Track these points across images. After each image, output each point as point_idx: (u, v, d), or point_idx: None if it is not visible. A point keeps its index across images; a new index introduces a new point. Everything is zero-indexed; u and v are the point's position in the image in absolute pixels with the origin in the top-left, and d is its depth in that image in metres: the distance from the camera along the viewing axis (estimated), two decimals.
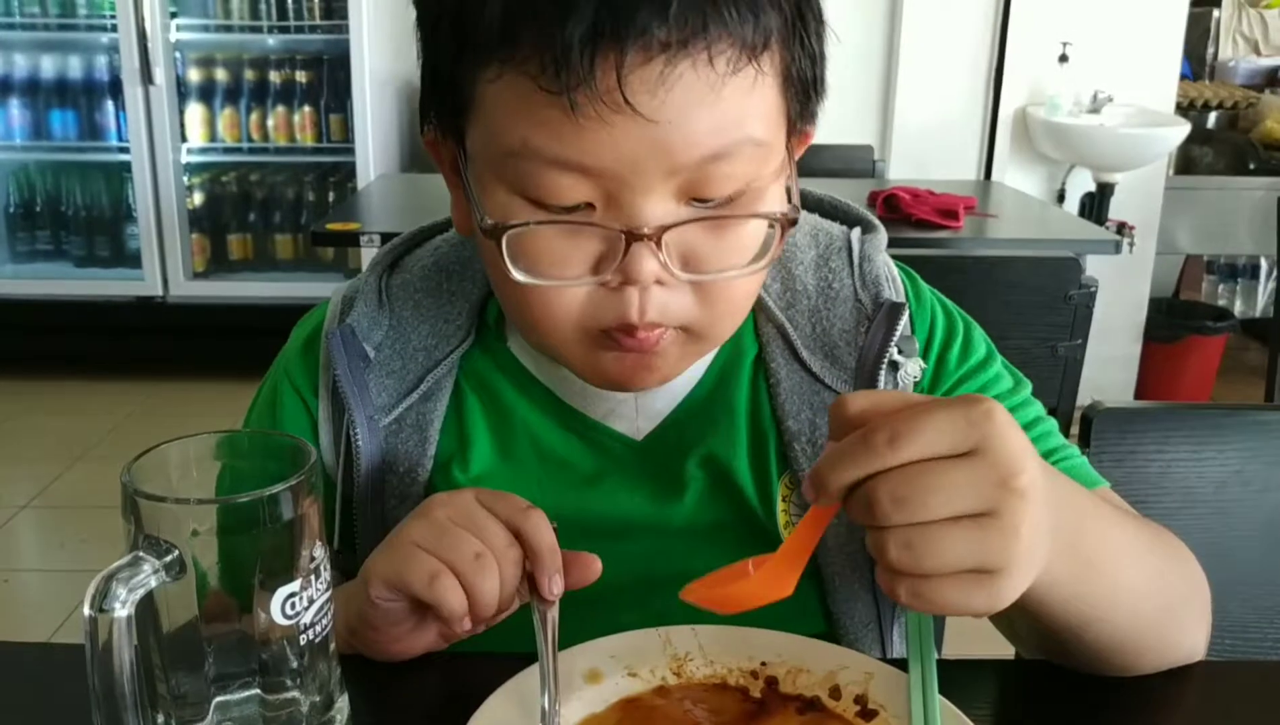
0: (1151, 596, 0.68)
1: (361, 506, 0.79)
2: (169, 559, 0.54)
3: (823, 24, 0.67)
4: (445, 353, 0.79)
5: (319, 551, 0.59)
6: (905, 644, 0.72)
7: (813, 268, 0.80)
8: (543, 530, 0.65)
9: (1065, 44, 3.51)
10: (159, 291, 3.75)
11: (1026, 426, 0.79)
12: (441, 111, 0.69)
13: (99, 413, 3.53)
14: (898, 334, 0.77)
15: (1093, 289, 1.76)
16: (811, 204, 0.86)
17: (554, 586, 0.65)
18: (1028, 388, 0.83)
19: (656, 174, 0.62)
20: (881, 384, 0.77)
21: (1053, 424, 0.82)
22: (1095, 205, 3.61)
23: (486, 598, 0.64)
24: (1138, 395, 3.87)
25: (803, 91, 0.67)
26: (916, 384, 0.79)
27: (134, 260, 3.77)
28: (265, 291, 3.72)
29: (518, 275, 0.65)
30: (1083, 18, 3.55)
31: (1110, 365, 3.65)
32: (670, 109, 0.60)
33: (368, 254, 2.79)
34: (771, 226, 0.67)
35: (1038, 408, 0.83)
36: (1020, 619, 0.67)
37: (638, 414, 0.78)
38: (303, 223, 3.85)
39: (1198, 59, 4.69)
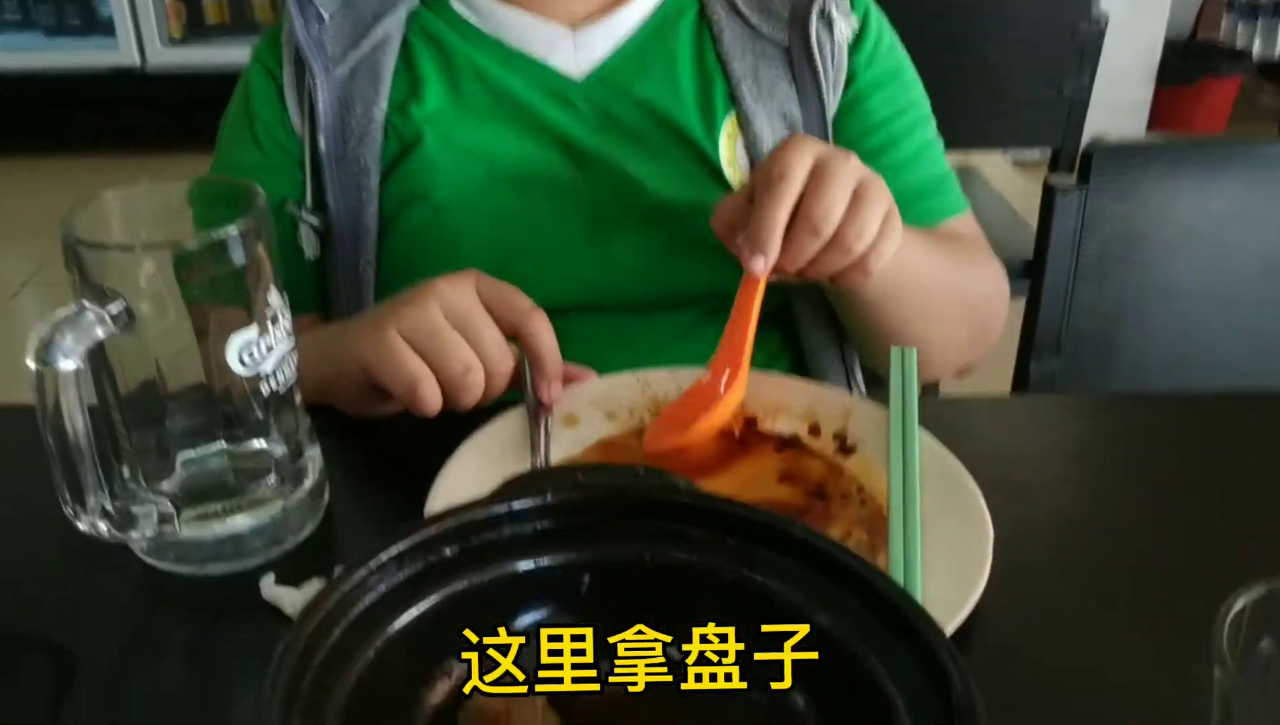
0: (949, 275, 0.81)
1: (327, 150, 0.83)
2: (115, 310, 0.52)
3: None
4: (390, 8, 0.85)
5: (275, 298, 0.57)
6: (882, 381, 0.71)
7: None
8: (544, 333, 0.66)
9: None
10: (135, 60, 3.61)
11: (914, 156, 0.88)
12: None
13: (85, 188, 3.42)
14: None
15: (1102, 24, 1.67)
16: None
17: (553, 391, 0.67)
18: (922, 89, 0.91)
19: None
20: (814, 33, 0.84)
21: (936, 136, 0.92)
22: None
23: (465, 407, 0.65)
24: None
25: None
26: (849, 44, 0.86)
27: (107, 28, 3.61)
28: (246, 57, 3.58)
29: None
30: None
31: (1118, 111, 3.53)
32: None
33: None
34: None
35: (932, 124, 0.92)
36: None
37: (576, 51, 0.84)
38: None
39: None
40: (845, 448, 0.66)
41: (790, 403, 0.68)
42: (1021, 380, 1.07)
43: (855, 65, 0.86)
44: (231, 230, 0.54)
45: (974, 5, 1.65)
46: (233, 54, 3.63)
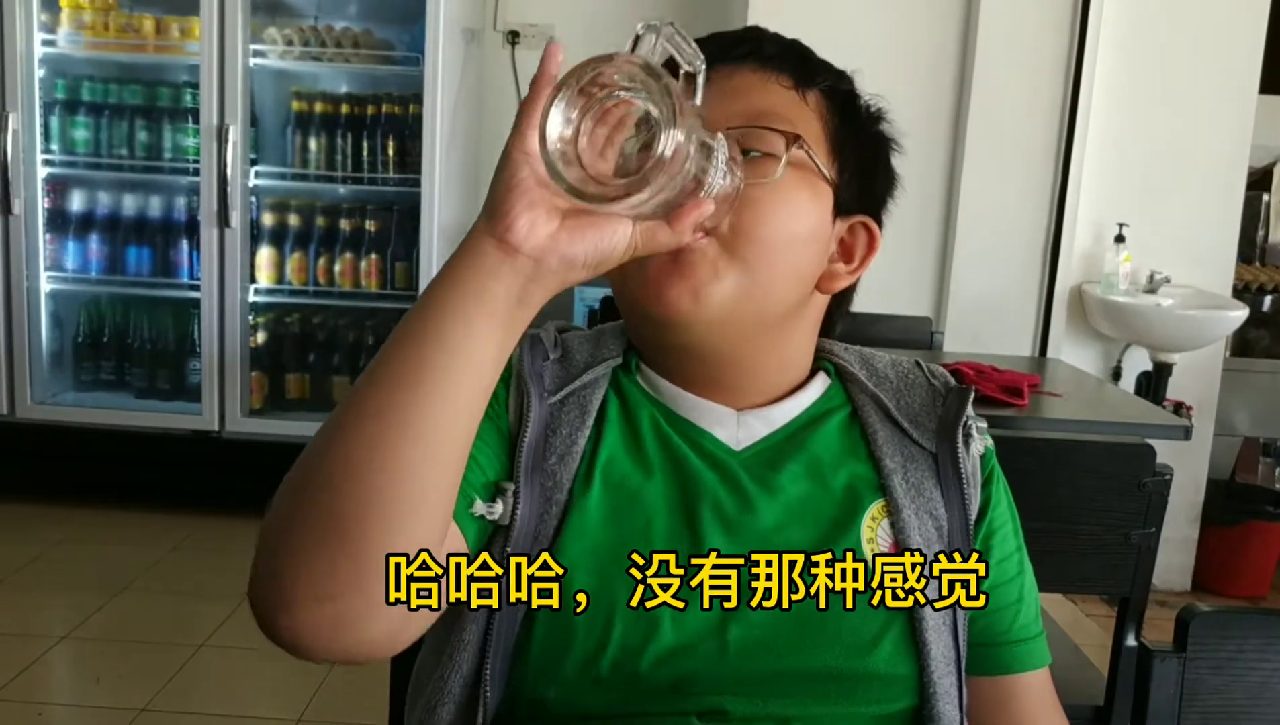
0: None
1: (525, 463, 0.89)
2: None
3: (879, 143, 0.96)
4: (602, 360, 0.97)
5: None
6: None
7: (890, 365, 1.01)
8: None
9: (1121, 225, 3.55)
10: (215, 426, 3.78)
11: (1019, 600, 0.98)
12: None
13: (146, 544, 3.53)
14: (968, 408, 0.96)
15: (1167, 477, 1.73)
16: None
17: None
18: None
19: (718, 122, 0.82)
20: (960, 445, 0.94)
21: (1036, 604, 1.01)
22: (1152, 384, 3.59)
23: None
24: (1196, 579, 3.77)
25: (851, 169, 0.92)
26: (981, 457, 0.97)
27: (193, 394, 3.81)
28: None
29: None
30: (1138, 199, 3.60)
31: (1166, 547, 3.55)
32: (734, 84, 0.91)
33: None
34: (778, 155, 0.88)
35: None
36: None
37: (738, 428, 0.94)
38: (360, 366, 3.89)
39: (1248, 241, 4.71)
40: None
41: None
42: None
43: (989, 495, 0.97)
44: None
45: (1044, 453, 1.73)
46: (307, 427, 3.80)
